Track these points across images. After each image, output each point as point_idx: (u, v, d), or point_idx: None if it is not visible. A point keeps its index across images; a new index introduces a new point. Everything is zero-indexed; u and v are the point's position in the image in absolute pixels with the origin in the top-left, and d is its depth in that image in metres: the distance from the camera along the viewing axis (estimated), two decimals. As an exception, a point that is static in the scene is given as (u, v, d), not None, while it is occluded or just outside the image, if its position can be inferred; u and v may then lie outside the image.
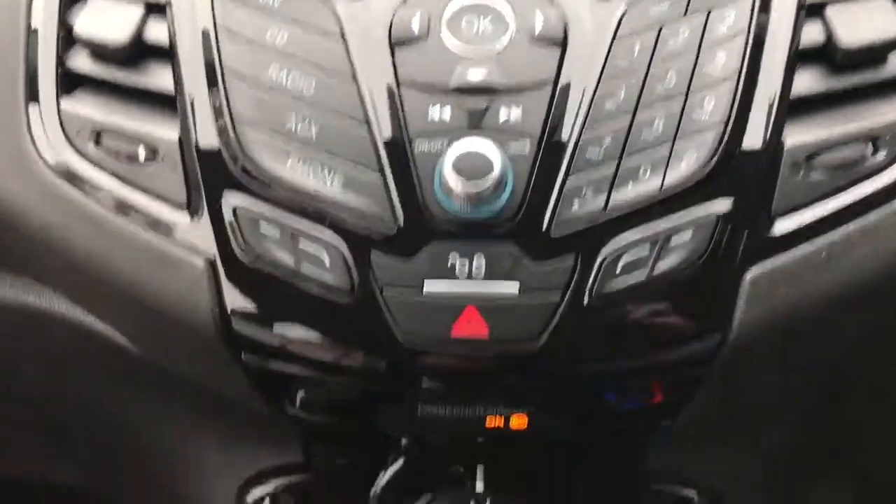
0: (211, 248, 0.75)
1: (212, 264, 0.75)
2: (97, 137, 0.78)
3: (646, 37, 0.72)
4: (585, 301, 0.72)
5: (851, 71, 0.75)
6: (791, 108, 0.74)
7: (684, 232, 0.72)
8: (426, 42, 0.72)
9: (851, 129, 0.75)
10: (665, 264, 0.72)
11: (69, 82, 0.79)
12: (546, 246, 0.72)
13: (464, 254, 0.72)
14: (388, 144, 0.72)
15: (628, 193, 0.71)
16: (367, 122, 0.72)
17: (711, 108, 0.72)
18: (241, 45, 0.73)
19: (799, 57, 0.74)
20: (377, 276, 0.72)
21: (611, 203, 0.71)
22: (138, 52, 0.76)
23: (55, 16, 0.79)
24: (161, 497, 1.03)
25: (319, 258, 0.72)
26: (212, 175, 0.74)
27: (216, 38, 0.73)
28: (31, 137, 0.79)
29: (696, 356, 0.75)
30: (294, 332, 0.75)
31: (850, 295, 0.75)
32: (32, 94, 0.79)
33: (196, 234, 0.75)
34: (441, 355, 0.73)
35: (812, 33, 0.75)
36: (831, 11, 0.74)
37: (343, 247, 0.72)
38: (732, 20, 0.72)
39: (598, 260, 0.72)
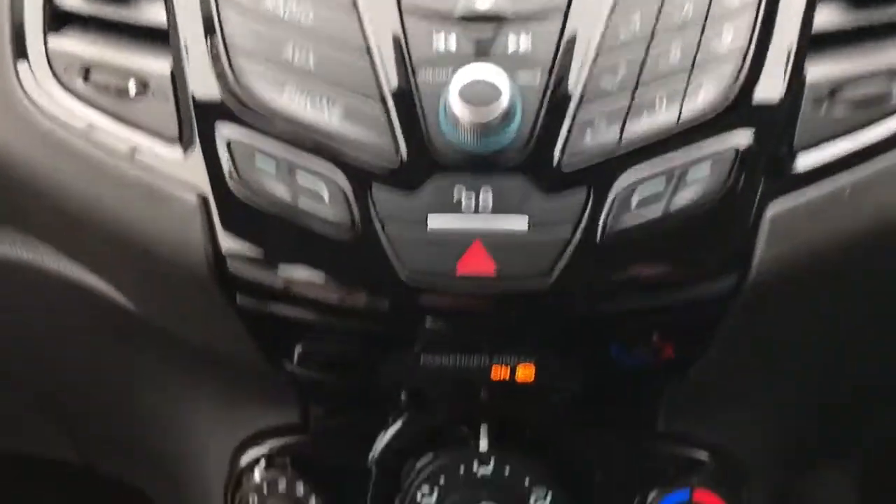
0: (203, 183, 0.71)
1: (204, 200, 0.71)
2: (86, 73, 0.74)
3: None
4: (598, 237, 0.68)
5: (875, 6, 0.71)
6: (813, 42, 0.70)
7: (702, 166, 0.68)
8: None
9: (874, 64, 0.71)
10: (681, 199, 0.68)
11: (57, 20, 0.75)
12: (557, 179, 0.68)
13: (470, 187, 0.68)
14: (390, 74, 0.68)
15: (643, 125, 0.67)
16: (369, 52, 0.68)
17: (730, 38, 0.68)
18: None
19: None
20: (379, 211, 0.68)
21: (625, 135, 0.67)
22: None
23: None
24: (154, 462, 0.98)
25: (318, 192, 0.68)
26: (205, 107, 0.70)
27: None
28: (17, 76, 0.75)
29: (714, 297, 0.70)
30: (291, 271, 0.71)
31: (874, 236, 0.71)
32: (18, 33, 0.75)
33: (188, 169, 0.71)
34: (446, 294, 0.69)
35: None
36: None
37: (343, 181, 0.68)
38: None
39: (612, 194, 0.68)
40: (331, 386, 0.85)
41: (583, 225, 0.68)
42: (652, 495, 0.86)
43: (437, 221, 0.68)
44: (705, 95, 0.67)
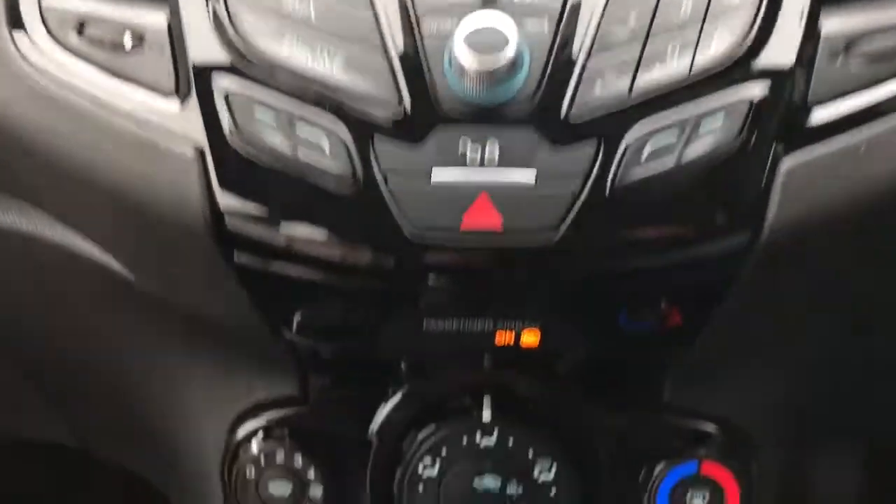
0: (200, 137, 0.68)
1: (201, 154, 0.68)
2: (80, 28, 0.71)
3: None
4: (607, 190, 0.65)
5: None
6: None
7: (715, 117, 0.65)
8: None
9: (891, 18, 0.68)
10: (694, 151, 0.65)
11: None
12: (565, 131, 0.65)
13: (476, 139, 0.65)
14: (393, 23, 0.65)
15: (654, 76, 0.65)
16: (371, 1, 0.65)
17: None
18: None
19: None
20: (381, 164, 0.65)
21: (636, 86, 0.65)
22: None
23: None
24: (149, 442, 0.95)
25: (318, 145, 0.65)
26: (203, 59, 0.68)
27: None
28: (10, 32, 0.72)
29: (726, 254, 0.68)
30: (290, 226, 0.68)
31: (890, 193, 0.68)
32: None
33: (185, 123, 0.68)
34: (451, 249, 0.66)
35: None
36: None
37: (344, 132, 0.65)
38: None
39: (622, 146, 0.65)
40: (330, 354, 0.83)
41: (592, 178, 0.65)
42: (659, 468, 0.83)
43: (442, 174, 0.65)
44: (718, 46, 0.65)
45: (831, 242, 0.69)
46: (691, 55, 0.65)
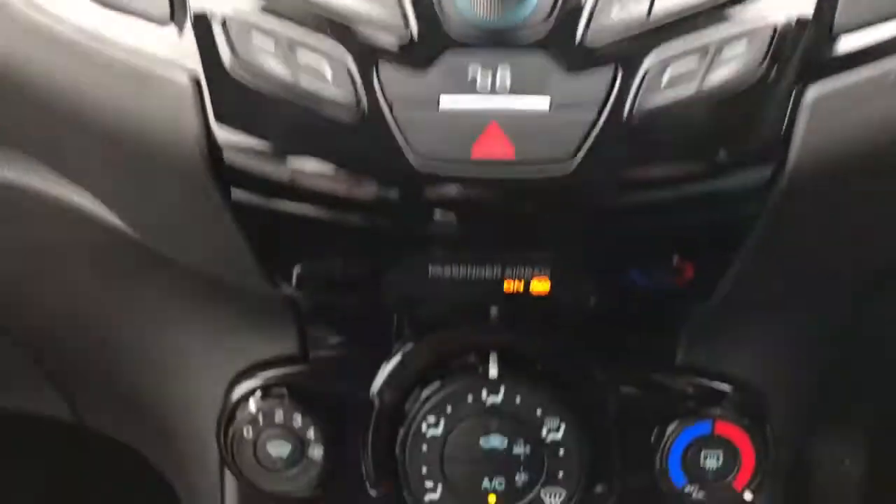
0: (196, 65, 0.63)
1: (197, 83, 0.63)
2: None
3: None
4: (625, 117, 0.61)
5: None
6: None
7: (738, 43, 0.61)
8: None
9: None
10: (715, 79, 0.61)
11: None
12: (580, 56, 0.60)
13: (486, 65, 0.60)
14: None
15: None
16: None
17: None
18: None
19: None
20: (386, 91, 0.61)
21: (655, 9, 0.60)
22: None
23: None
24: (144, 410, 0.90)
25: (320, 72, 0.61)
26: None
27: None
28: None
29: (749, 188, 0.63)
30: (290, 158, 0.64)
31: None
32: None
33: (179, 51, 0.63)
34: (460, 180, 0.61)
35: None
36: None
37: (347, 58, 0.61)
38: None
39: (640, 72, 0.60)
40: (331, 306, 0.78)
41: (609, 106, 0.61)
42: (671, 428, 0.79)
43: (450, 102, 0.61)
44: None
45: (858, 180, 0.65)
46: None
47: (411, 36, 0.60)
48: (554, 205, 0.63)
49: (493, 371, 0.76)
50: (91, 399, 0.98)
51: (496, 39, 0.60)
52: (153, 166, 0.66)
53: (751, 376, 0.81)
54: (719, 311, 0.75)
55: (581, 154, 0.61)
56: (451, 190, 0.62)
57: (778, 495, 0.86)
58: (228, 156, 0.64)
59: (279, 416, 0.79)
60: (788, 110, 0.62)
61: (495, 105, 0.61)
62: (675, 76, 0.60)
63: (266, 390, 0.80)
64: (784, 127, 0.62)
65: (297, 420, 0.79)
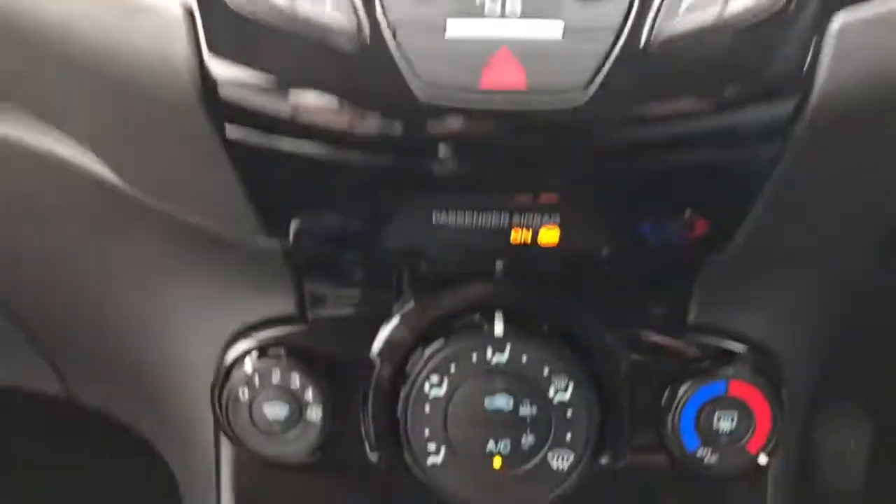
0: None
1: (189, 12, 0.59)
2: None
3: None
4: (642, 45, 0.57)
5: None
6: None
7: None
8: None
9: None
10: (738, 4, 0.57)
11: None
12: None
13: None
14: None
15: None
16: None
17: None
18: None
19: None
20: (389, 16, 0.57)
21: None
22: None
23: None
24: (135, 381, 0.86)
25: None
26: None
27: None
28: None
29: (771, 122, 0.59)
30: (286, 90, 0.59)
31: None
32: None
33: None
34: (467, 112, 0.57)
35: None
36: None
37: None
38: None
39: None
40: (330, 263, 0.74)
41: (625, 32, 0.57)
42: (684, 388, 0.74)
43: (457, 27, 0.57)
44: None
45: (885, 117, 0.61)
46: None
47: None
48: (566, 140, 0.59)
49: (499, 329, 0.72)
50: (81, 370, 0.94)
51: None
52: (143, 104, 0.62)
53: (765, 337, 0.76)
54: (733, 267, 0.71)
55: (595, 84, 0.57)
56: (458, 122, 0.58)
57: (791, 462, 0.82)
58: (222, 89, 0.59)
59: (276, 376, 0.75)
60: (813, 40, 0.58)
61: (505, 31, 0.57)
62: (694, 2, 0.56)
63: (262, 350, 0.76)
64: (809, 58, 0.58)
65: (295, 381, 0.74)
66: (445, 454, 0.73)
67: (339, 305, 0.76)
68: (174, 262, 0.77)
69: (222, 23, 0.58)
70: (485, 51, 0.57)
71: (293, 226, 0.67)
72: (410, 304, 0.75)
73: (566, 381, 0.72)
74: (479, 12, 0.56)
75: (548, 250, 0.66)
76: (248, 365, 0.75)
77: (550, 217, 0.65)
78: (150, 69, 0.60)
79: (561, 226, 0.65)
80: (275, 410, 0.75)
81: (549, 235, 0.66)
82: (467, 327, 0.74)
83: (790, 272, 0.75)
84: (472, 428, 0.72)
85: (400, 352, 0.75)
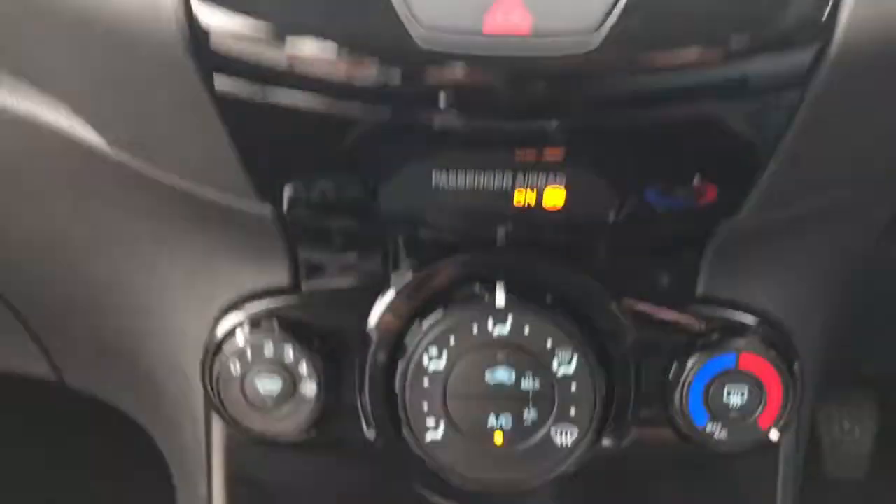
0: None
1: None
2: None
3: None
4: None
5: None
6: None
7: None
8: None
9: None
10: None
11: None
12: None
13: None
14: None
15: None
16: None
17: None
18: None
19: None
20: None
21: None
22: None
23: None
24: (125, 359, 0.82)
25: None
26: None
27: None
28: None
29: (788, 73, 0.55)
30: (278, 37, 0.55)
31: None
32: None
33: None
34: (469, 58, 0.53)
35: None
36: None
37: None
38: None
39: None
40: (325, 230, 0.70)
41: None
42: (692, 361, 0.71)
43: None
44: None
45: None
46: None
47: None
48: (574, 89, 0.55)
49: (500, 300, 0.68)
50: (69, 347, 0.90)
51: None
52: (129, 57, 0.59)
53: (776, 309, 0.73)
54: (745, 235, 0.67)
55: (606, 27, 0.53)
56: (460, 69, 0.54)
57: (801, 441, 0.78)
58: (211, 38, 0.56)
59: (269, 349, 0.71)
60: None
61: None
62: None
63: (255, 322, 0.72)
64: (830, 4, 0.54)
65: (289, 354, 0.71)
66: (445, 430, 0.69)
67: (334, 275, 0.73)
68: (162, 230, 0.74)
69: None
70: None
71: (286, 188, 0.64)
72: (408, 274, 0.71)
73: (570, 353, 0.68)
74: None
75: (552, 214, 0.63)
76: (240, 338, 0.72)
77: (556, 176, 0.61)
78: (135, 20, 0.57)
79: (567, 185, 0.61)
80: (267, 385, 0.72)
81: (555, 197, 0.62)
82: (467, 298, 0.70)
83: (803, 241, 0.71)
84: (472, 402, 0.69)
85: (398, 324, 0.71)
